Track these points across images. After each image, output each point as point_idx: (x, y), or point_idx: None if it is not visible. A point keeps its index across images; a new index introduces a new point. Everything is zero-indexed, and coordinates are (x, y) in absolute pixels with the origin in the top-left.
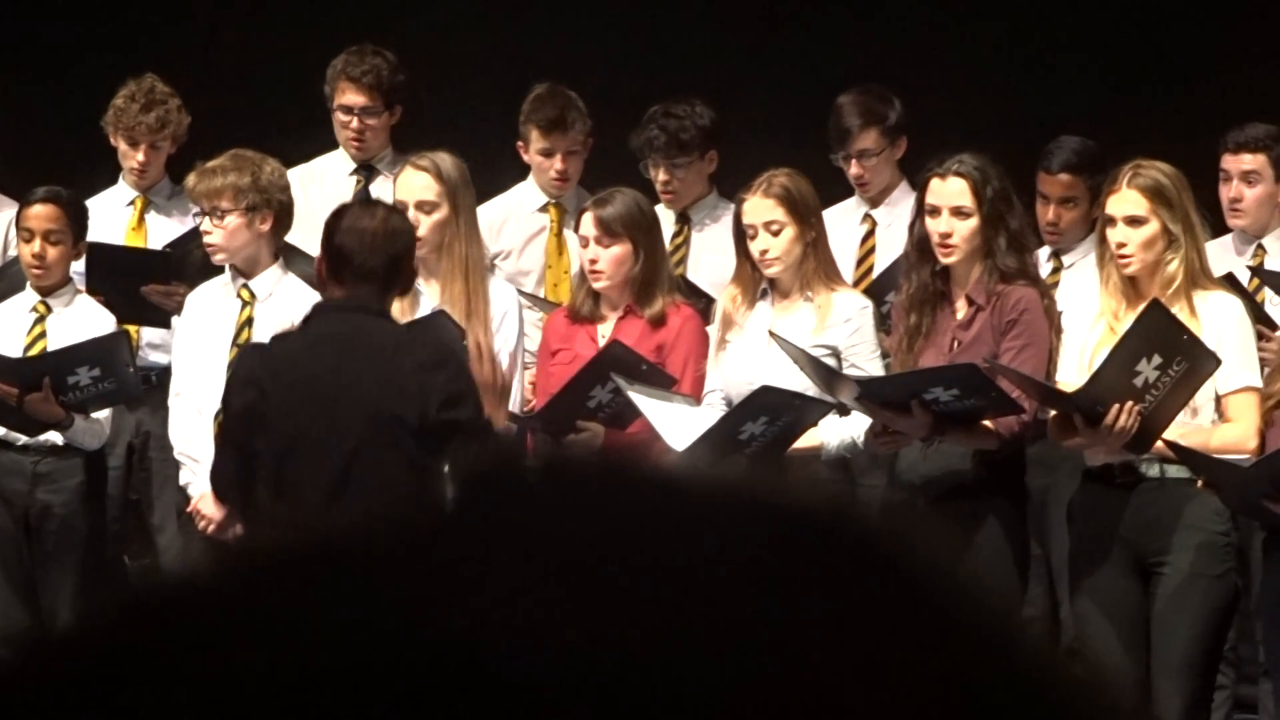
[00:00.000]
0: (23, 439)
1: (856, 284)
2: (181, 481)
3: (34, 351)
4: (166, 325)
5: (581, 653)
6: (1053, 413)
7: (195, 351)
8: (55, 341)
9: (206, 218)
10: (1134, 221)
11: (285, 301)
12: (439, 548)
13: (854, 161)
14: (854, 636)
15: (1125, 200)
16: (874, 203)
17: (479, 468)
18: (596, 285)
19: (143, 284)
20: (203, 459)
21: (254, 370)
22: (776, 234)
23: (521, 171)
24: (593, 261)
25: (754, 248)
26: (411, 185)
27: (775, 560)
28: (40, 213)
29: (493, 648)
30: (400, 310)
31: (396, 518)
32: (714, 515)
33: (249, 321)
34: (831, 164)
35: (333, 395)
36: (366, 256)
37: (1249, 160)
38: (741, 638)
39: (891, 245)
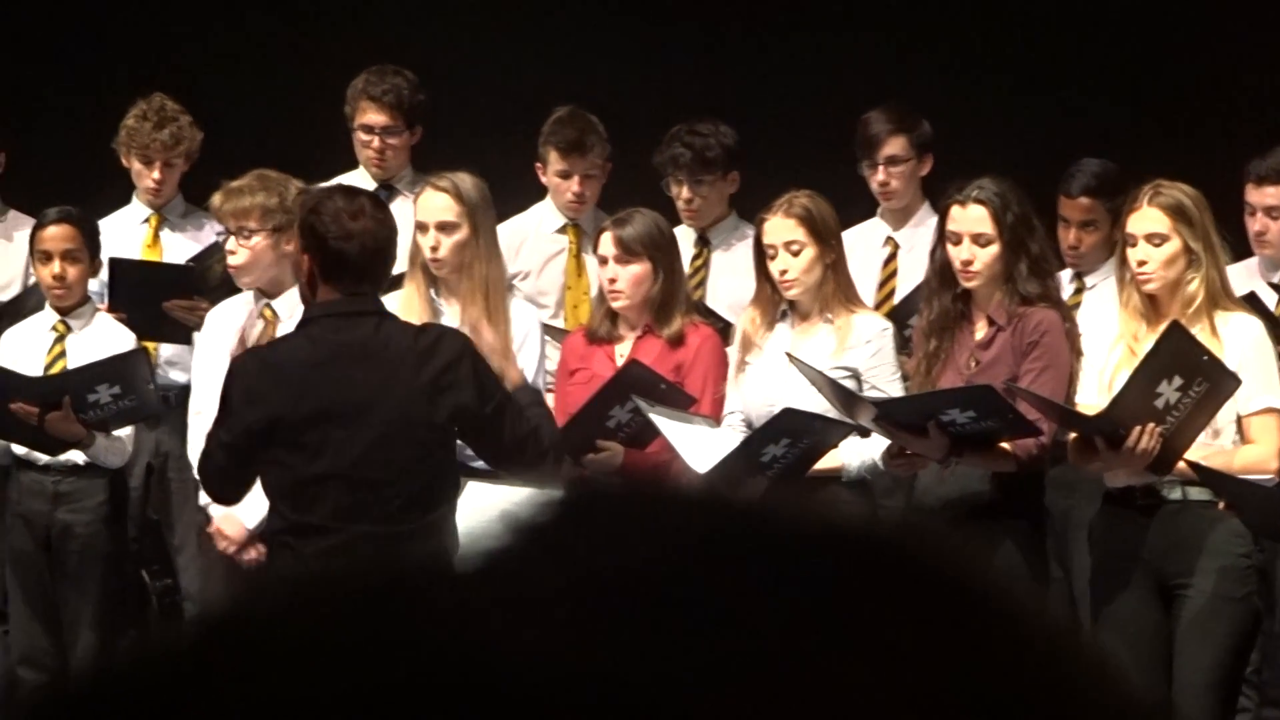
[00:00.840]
0: (44, 458)
1: (879, 306)
2: (201, 501)
3: (54, 370)
4: (188, 341)
5: (612, 677)
6: (1073, 435)
7: (217, 369)
8: (75, 360)
9: (232, 237)
10: (1155, 239)
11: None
12: (479, 575)
13: (881, 169)
14: (897, 655)
15: (1146, 218)
16: (896, 225)
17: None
18: (615, 305)
19: (164, 299)
20: None
21: (255, 383)
22: (796, 254)
23: (540, 194)
24: (611, 280)
25: (774, 268)
26: (432, 206)
27: (811, 582)
28: (56, 233)
29: (527, 675)
30: None
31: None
32: (745, 536)
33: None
34: (853, 188)
35: (360, 407)
36: (361, 255)
37: (1272, 194)
38: (778, 661)
39: (914, 268)
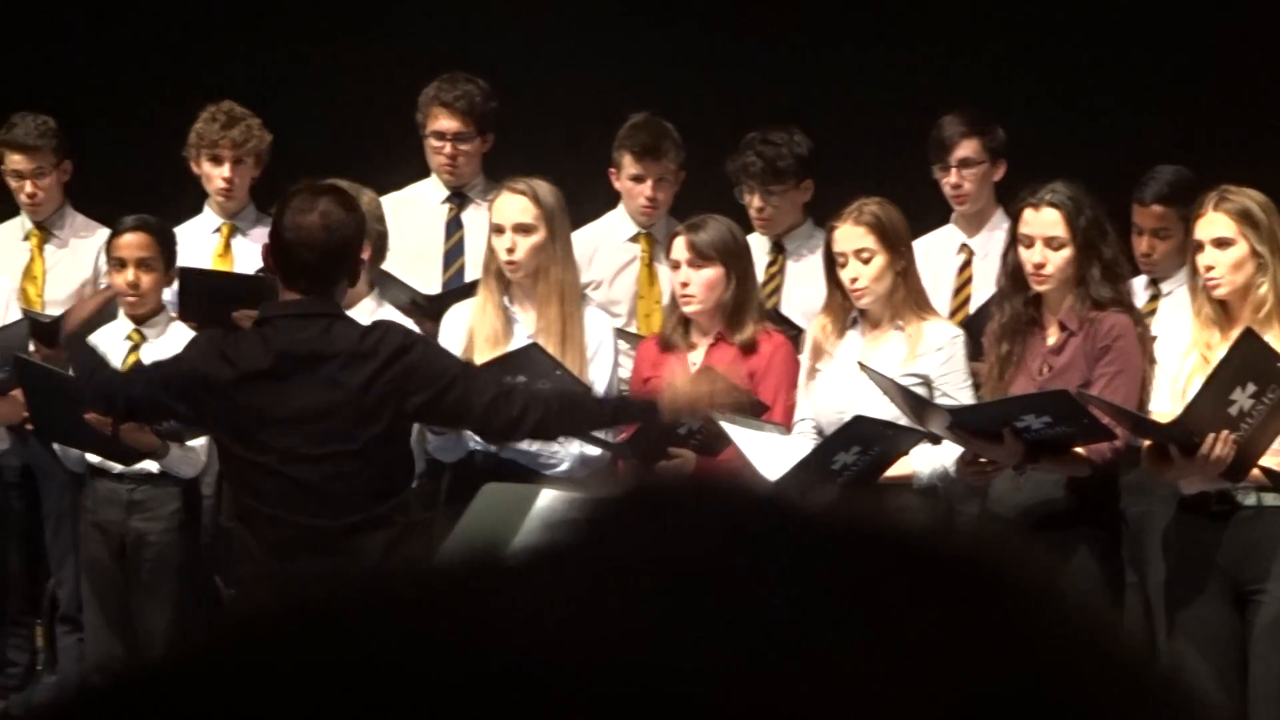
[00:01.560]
0: (118, 467)
1: (954, 313)
2: None
3: None
4: None
5: (639, 668)
6: (1147, 443)
7: None
8: None
9: None
10: (1221, 244)
11: None
12: (520, 569)
13: (953, 171)
14: (924, 652)
15: (1212, 223)
16: (970, 231)
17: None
18: (687, 309)
19: (234, 309)
20: None
21: (216, 350)
22: (867, 262)
23: (610, 204)
24: (684, 285)
25: (844, 276)
26: (509, 208)
27: (837, 575)
28: (131, 241)
29: (556, 666)
30: (494, 338)
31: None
32: (811, 537)
33: None
34: (929, 195)
35: (300, 410)
36: (311, 256)
37: None
38: (802, 655)
39: (988, 274)
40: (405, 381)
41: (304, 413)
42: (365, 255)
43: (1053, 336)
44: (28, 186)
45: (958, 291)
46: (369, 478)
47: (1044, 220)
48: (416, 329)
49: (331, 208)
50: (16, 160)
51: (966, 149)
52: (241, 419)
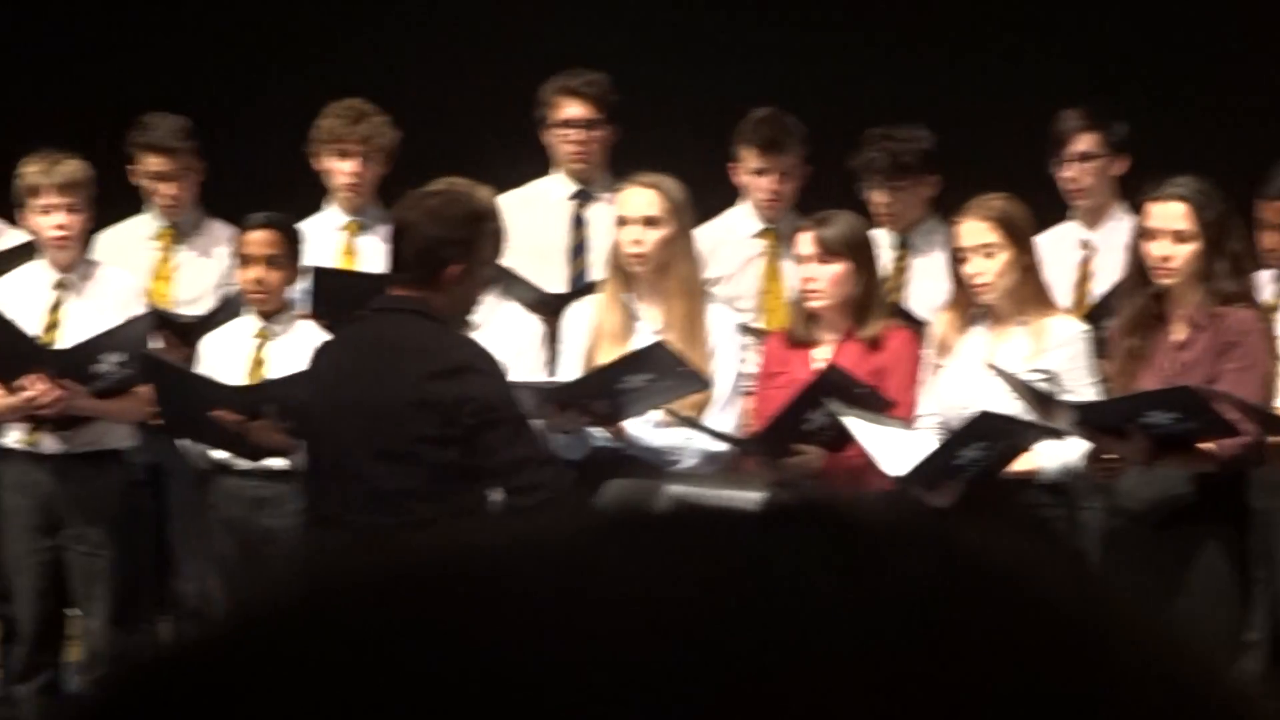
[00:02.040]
0: (244, 464)
1: (1074, 309)
2: None
3: (255, 377)
4: None
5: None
6: (1275, 438)
7: None
8: (275, 367)
9: None
10: None
11: (501, 327)
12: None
13: (1069, 165)
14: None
15: None
16: (1090, 226)
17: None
18: (813, 305)
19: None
20: None
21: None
22: (990, 256)
23: (731, 201)
24: (810, 280)
25: (967, 271)
26: (635, 201)
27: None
28: (259, 238)
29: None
30: (616, 334)
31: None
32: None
33: None
34: (1049, 191)
35: (359, 406)
36: (409, 253)
37: None
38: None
39: (1108, 270)
40: (459, 396)
41: (363, 408)
42: (468, 263)
43: (1179, 332)
44: (168, 189)
45: (1077, 286)
46: (421, 480)
47: (1170, 214)
48: (539, 328)
49: (439, 208)
50: (155, 162)
51: (1084, 143)
52: (314, 410)
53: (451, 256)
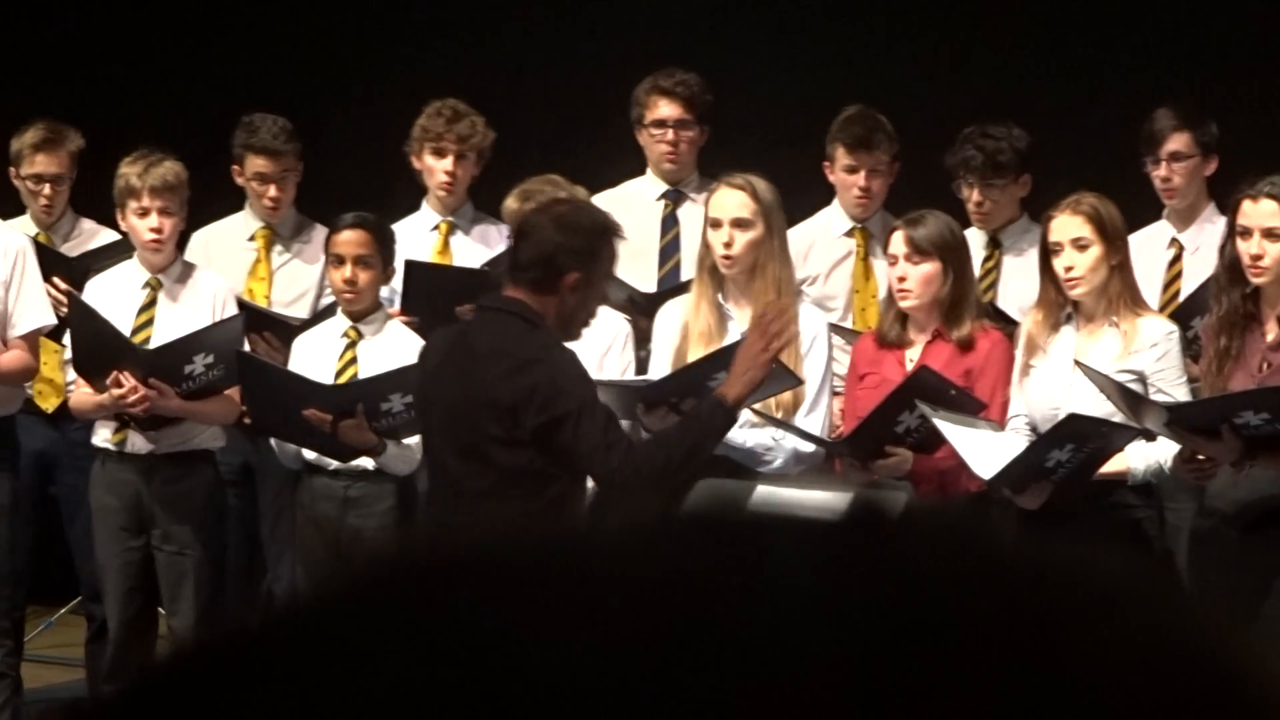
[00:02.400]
0: (334, 464)
1: (1163, 308)
2: None
3: (345, 377)
4: None
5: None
6: None
7: None
8: (366, 367)
9: None
10: None
11: (594, 327)
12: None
13: (1163, 164)
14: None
15: None
16: (1181, 226)
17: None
18: (904, 304)
19: (458, 304)
20: None
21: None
22: (1083, 251)
23: (825, 201)
24: (901, 280)
25: (1059, 264)
26: (727, 203)
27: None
28: (350, 238)
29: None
30: (708, 334)
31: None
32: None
33: None
34: (1141, 192)
35: (446, 402)
36: (530, 256)
37: None
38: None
39: (1198, 270)
40: (525, 389)
41: (446, 406)
42: (586, 273)
43: (1272, 333)
44: (272, 190)
45: (1167, 286)
46: (492, 481)
47: (1263, 212)
48: (626, 329)
49: (566, 214)
50: (261, 164)
51: (1177, 142)
52: (420, 405)
53: (571, 265)
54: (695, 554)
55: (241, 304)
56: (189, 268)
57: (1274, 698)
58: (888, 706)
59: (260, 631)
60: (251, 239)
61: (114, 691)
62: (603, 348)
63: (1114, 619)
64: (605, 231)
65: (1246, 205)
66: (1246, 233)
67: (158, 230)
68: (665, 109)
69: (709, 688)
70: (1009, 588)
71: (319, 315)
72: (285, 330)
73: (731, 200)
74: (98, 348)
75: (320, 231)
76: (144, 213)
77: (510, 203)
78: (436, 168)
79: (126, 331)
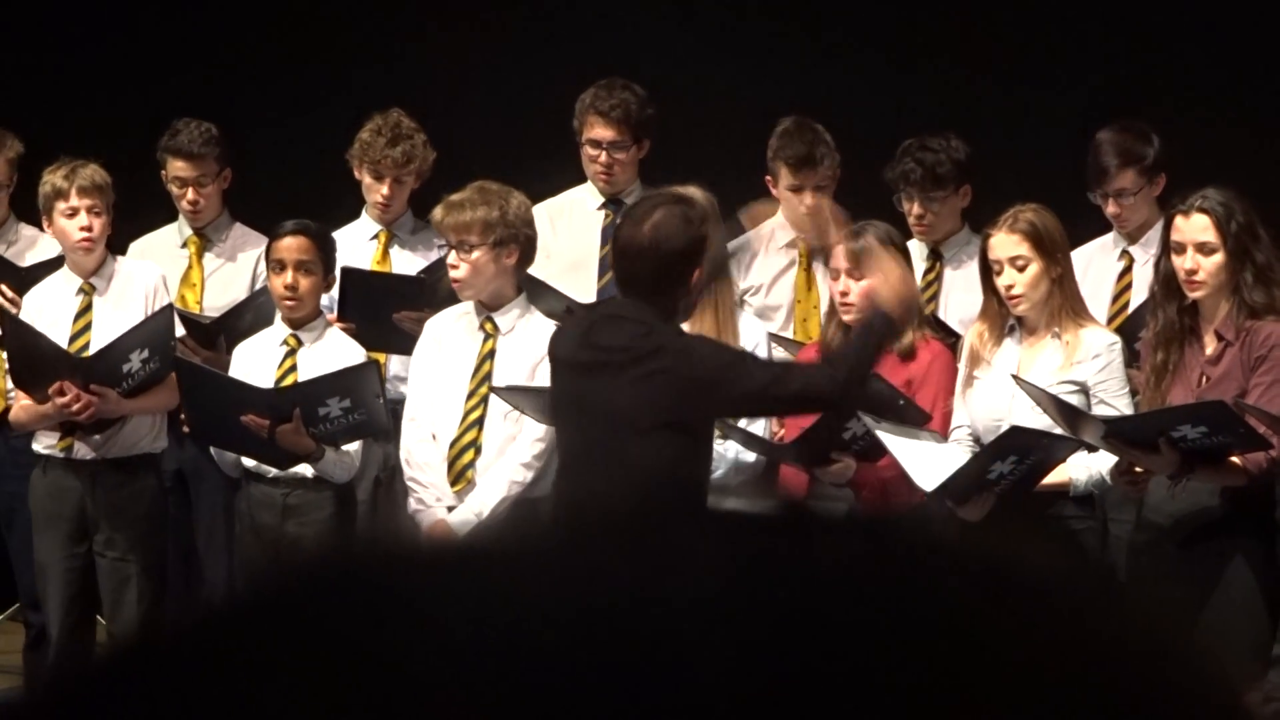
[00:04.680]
0: (273, 471)
1: (1112, 320)
2: (410, 509)
3: (285, 384)
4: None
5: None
6: None
7: (433, 379)
8: (305, 375)
9: (454, 251)
10: None
11: (528, 337)
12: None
13: (1111, 200)
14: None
15: None
16: (1131, 239)
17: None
18: (847, 318)
19: (394, 311)
20: (433, 485)
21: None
22: (1022, 269)
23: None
24: (844, 294)
25: (999, 283)
26: None
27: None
28: (291, 244)
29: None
30: None
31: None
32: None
33: (491, 354)
34: (1084, 200)
35: (583, 406)
36: (626, 264)
37: None
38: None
39: (1149, 281)
40: (668, 377)
41: (587, 409)
42: (696, 271)
43: (1210, 346)
44: (190, 194)
45: (1117, 298)
46: (627, 482)
47: (1194, 226)
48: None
49: (658, 220)
50: (179, 167)
51: (1122, 180)
52: (554, 405)
53: (693, 265)
54: (602, 555)
55: None
56: (118, 264)
57: (1196, 678)
58: (767, 705)
59: (160, 641)
60: (183, 246)
61: (13, 697)
62: (535, 357)
63: (1034, 609)
64: (704, 220)
65: (1179, 221)
66: (1180, 248)
67: (88, 229)
68: (600, 130)
69: (592, 686)
70: (925, 586)
71: (242, 314)
72: (202, 331)
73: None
74: (35, 361)
75: (255, 237)
76: (73, 213)
77: (438, 212)
78: (374, 187)
79: (64, 340)
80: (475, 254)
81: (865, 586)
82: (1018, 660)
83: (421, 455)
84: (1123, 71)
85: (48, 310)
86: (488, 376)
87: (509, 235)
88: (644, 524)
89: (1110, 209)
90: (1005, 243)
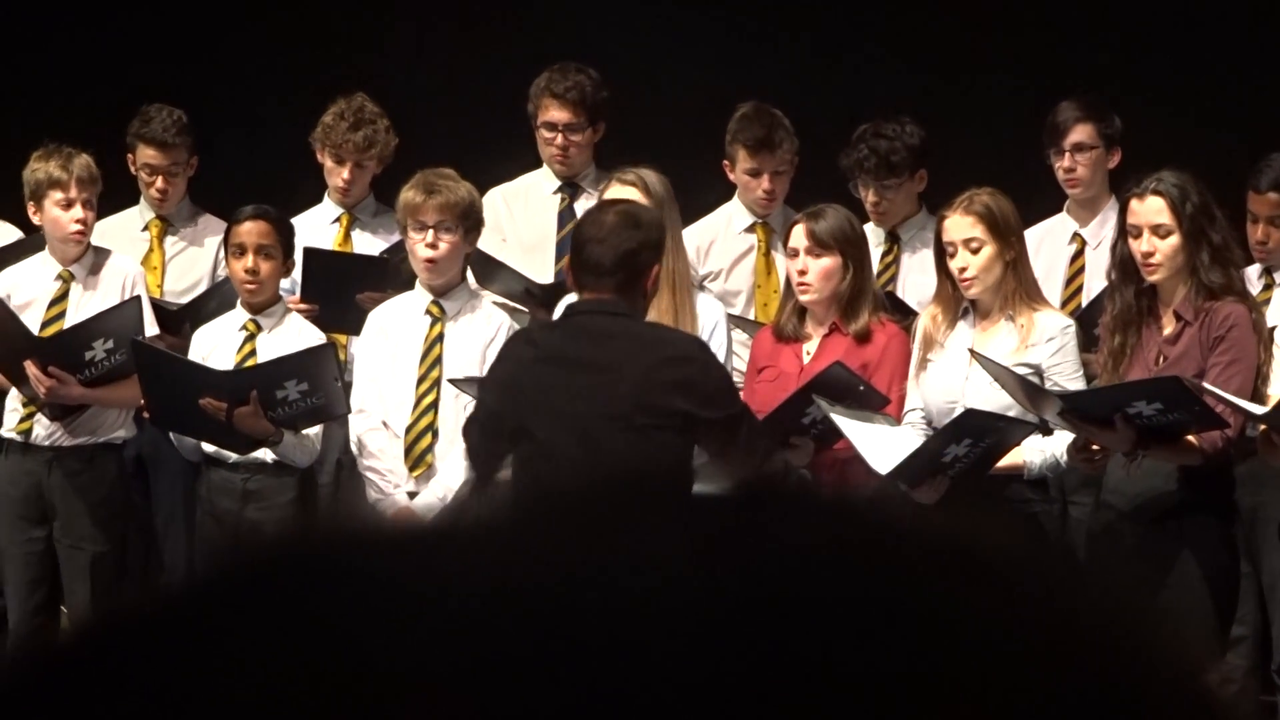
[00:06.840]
0: (234, 456)
1: (1066, 303)
2: (370, 498)
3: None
4: None
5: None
6: (1262, 428)
7: (380, 368)
8: (264, 359)
9: (431, 231)
10: None
11: (476, 321)
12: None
13: (1067, 155)
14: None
15: None
16: (1083, 221)
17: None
18: (804, 298)
19: (356, 291)
20: (390, 472)
21: (501, 371)
22: (976, 252)
23: (726, 190)
24: (801, 273)
25: (953, 266)
26: (621, 196)
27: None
28: (251, 228)
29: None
30: None
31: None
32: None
33: (440, 338)
34: (1039, 183)
35: (574, 402)
36: (598, 257)
37: None
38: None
39: (1101, 264)
40: (688, 376)
41: (577, 405)
42: (659, 265)
43: (1168, 327)
44: (159, 182)
45: (1070, 281)
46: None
47: (1149, 209)
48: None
49: (623, 213)
50: (151, 155)
51: (1081, 134)
52: (520, 394)
53: (652, 260)
54: (560, 534)
55: None
56: (101, 255)
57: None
58: (724, 685)
59: (119, 624)
60: (145, 229)
61: None
62: (485, 340)
63: (996, 587)
64: (663, 224)
65: (1134, 204)
66: (1136, 231)
67: (82, 222)
68: (555, 113)
69: (548, 666)
70: (888, 566)
71: (206, 300)
72: (168, 317)
73: (625, 194)
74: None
75: (214, 222)
76: (69, 204)
77: (415, 195)
78: (335, 171)
79: (36, 325)
80: (455, 235)
81: (826, 566)
82: (981, 639)
83: (375, 443)
84: (1079, 54)
85: (20, 293)
86: (438, 360)
87: (478, 220)
88: (603, 504)
89: (1065, 163)
90: (959, 225)
